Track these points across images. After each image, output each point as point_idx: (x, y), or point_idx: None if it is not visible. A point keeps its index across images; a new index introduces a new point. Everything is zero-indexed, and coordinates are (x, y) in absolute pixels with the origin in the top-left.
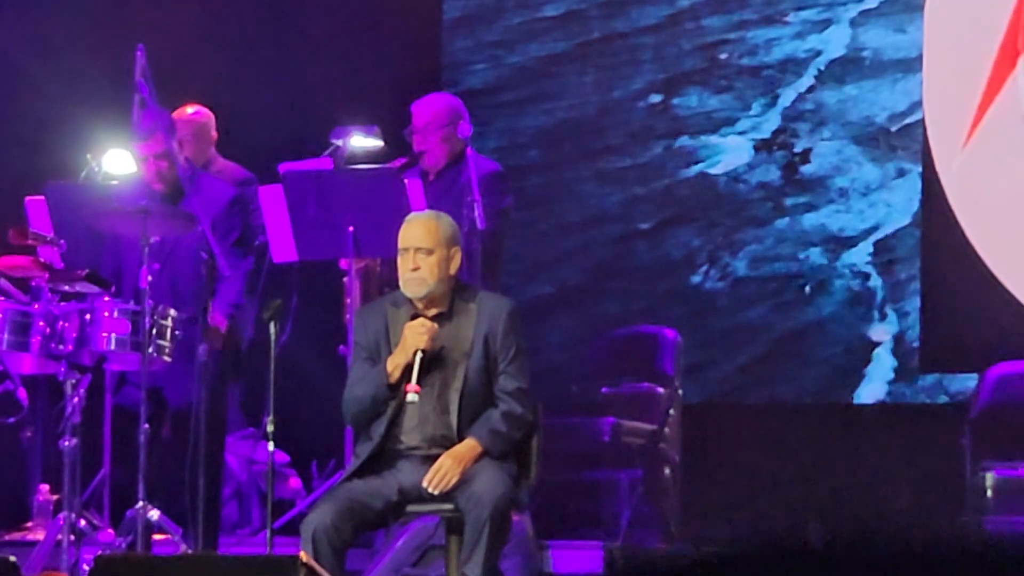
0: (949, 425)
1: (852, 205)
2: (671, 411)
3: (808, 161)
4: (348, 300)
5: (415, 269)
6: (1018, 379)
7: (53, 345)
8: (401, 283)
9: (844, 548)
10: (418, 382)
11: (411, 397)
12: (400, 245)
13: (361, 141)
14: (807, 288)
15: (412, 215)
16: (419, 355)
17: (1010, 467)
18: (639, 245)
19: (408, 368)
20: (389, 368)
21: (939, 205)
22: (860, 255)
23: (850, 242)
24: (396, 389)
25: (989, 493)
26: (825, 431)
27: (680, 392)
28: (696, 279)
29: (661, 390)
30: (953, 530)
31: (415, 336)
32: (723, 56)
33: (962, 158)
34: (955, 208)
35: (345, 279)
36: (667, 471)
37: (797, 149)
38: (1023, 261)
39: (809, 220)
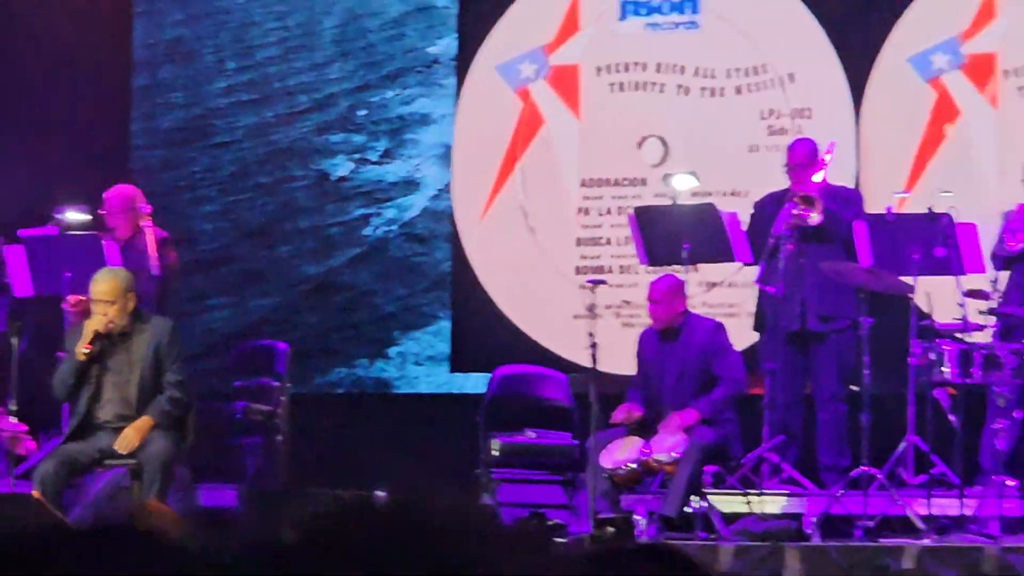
0: (470, 409)
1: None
2: (282, 398)
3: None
4: (66, 323)
5: (104, 315)
6: (514, 377)
7: None
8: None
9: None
10: (112, 375)
11: (80, 353)
12: (92, 296)
13: (75, 216)
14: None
15: (99, 273)
16: (95, 332)
17: (511, 436)
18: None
19: (88, 344)
20: (76, 351)
21: (464, 262)
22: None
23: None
24: (82, 366)
25: (496, 452)
26: (384, 417)
27: (288, 385)
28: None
29: (276, 383)
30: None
31: (92, 323)
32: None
33: (479, 229)
34: (473, 264)
35: (63, 306)
36: (279, 438)
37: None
38: (515, 299)
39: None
